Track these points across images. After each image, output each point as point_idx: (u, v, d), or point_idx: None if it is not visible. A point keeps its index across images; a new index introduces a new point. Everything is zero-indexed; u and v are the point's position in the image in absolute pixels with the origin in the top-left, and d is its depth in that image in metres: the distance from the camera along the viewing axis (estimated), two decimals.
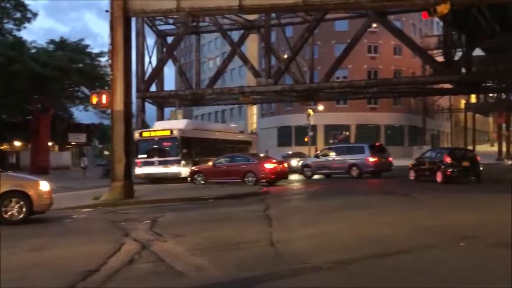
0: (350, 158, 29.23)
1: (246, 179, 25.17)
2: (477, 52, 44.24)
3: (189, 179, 27.23)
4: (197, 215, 14.62)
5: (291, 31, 49.84)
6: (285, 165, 27.45)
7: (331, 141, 56.45)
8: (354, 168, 28.96)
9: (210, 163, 27.23)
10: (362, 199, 17.69)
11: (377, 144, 32.46)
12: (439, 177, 23.44)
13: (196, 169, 27.47)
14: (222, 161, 27.01)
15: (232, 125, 54.14)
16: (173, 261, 7.98)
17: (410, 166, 26.83)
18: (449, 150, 26.01)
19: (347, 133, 59.67)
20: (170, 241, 9.82)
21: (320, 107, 48.96)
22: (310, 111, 45.02)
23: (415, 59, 48.63)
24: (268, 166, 25.71)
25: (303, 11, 35.18)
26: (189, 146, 30.44)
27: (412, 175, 26.08)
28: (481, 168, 24.12)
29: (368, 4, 19.69)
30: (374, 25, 45.62)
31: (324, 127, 58.32)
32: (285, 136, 61.87)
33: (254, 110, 76.17)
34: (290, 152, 43.45)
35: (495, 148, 53.44)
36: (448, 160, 23.52)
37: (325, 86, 39.35)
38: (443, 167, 23.40)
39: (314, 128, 50.81)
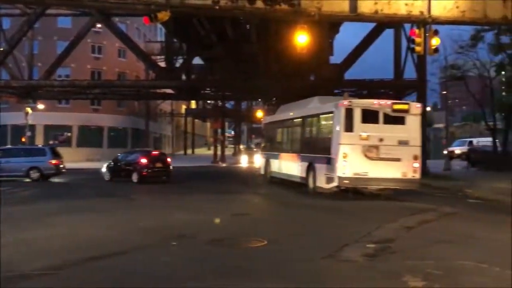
0: (30, 161, 27.72)
1: None
2: (197, 60, 47.22)
3: None
4: None
5: (9, 23, 46.02)
6: None
7: (51, 142, 53.70)
8: (34, 170, 27.31)
9: None
10: (80, 202, 17.21)
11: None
12: (135, 177, 24.84)
13: None
14: None
15: None
16: None
17: (106, 167, 27.13)
18: (144, 152, 27.27)
19: (69, 134, 57.53)
20: None
21: (40, 106, 46.27)
22: (29, 109, 42.20)
23: (140, 63, 49.34)
24: None
25: (22, 3, 32.80)
26: None
27: (107, 175, 26.57)
28: (172, 168, 26.36)
29: (89, 3, 19.37)
30: (99, 25, 45.02)
31: (44, 127, 55.21)
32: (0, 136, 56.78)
33: None
34: None
35: (211, 152, 57.59)
36: (143, 161, 25.08)
37: (45, 83, 37.32)
38: (139, 168, 24.93)
39: (33, 128, 47.75)
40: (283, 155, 22.92)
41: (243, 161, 51.30)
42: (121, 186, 23.30)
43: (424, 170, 28.84)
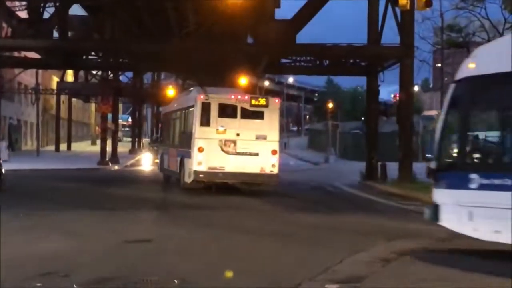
0: None
1: None
2: (76, 10, 46.39)
3: None
4: None
5: None
6: None
7: None
8: None
9: None
10: None
11: None
12: None
13: None
14: None
15: None
16: None
17: None
18: None
19: None
20: None
21: None
22: None
23: None
24: None
25: None
26: None
27: None
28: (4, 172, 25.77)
29: None
30: None
31: None
32: None
33: None
34: None
35: (98, 148, 56.68)
36: None
37: None
38: None
39: None
40: (169, 149, 29.46)
41: (146, 162, 50.96)
42: None
43: (408, 175, 29.57)
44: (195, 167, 23.46)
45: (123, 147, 71.16)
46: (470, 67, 12.38)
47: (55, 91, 74.09)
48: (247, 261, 11.83)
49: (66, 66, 52.46)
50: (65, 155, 64.73)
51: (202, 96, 23.68)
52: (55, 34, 40.44)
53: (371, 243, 13.58)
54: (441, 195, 11.97)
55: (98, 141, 62.88)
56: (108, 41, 42.61)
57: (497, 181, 11.19)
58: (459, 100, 12.38)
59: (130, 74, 71.87)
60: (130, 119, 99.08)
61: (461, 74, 12.50)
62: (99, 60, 46.43)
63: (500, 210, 10.85)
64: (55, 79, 78.22)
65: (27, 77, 69.01)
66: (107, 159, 50.84)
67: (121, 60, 46.91)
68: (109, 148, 53.09)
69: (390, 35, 36.14)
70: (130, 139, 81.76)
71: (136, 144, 76.55)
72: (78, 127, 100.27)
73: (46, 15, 40.98)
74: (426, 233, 14.76)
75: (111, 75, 57.00)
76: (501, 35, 34.80)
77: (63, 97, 79.45)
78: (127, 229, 15.69)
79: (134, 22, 42.77)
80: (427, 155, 27.45)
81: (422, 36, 41.18)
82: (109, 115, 58.72)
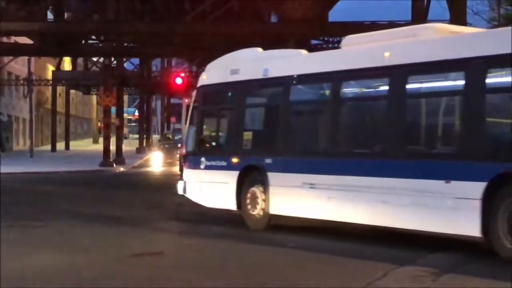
0: None
1: None
2: None
3: None
4: None
5: None
6: None
7: None
8: None
9: None
10: None
11: None
12: None
13: None
14: None
15: None
16: None
17: None
18: None
19: None
20: None
21: None
22: None
23: None
24: None
25: None
26: None
27: None
28: None
29: None
30: None
31: None
32: None
33: None
34: None
35: (101, 146, 56.83)
36: None
37: None
38: None
39: None
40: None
41: (156, 162, 51.05)
42: None
43: None
44: None
45: (130, 145, 71.50)
46: (204, 78, 19.36)
47: (51, 82, 74.45)
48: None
49: (62, 52, 52.61)
50: (62, 155, 64.96)
51: None
52: (50, 16, 40.60)
53: None
54: (186, 174, 18.87)
55: (101, 139, 63.16)
56: (111, 22, 42.67)
57: (214, 163, 18.04)
58: (197, 103, 19.21)
59: (136, 60, 72.15)
60: (137, 113, 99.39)
61: (199, 83, 19.45)
62: (100, 45, 46.67)
63: (216, 184, 17.73)
64: (50, 68, 78.64)
65: (18, 66, 69.52)
66: (111, 160, 50.96)
67: (125, 44, 47.02)
68: (113, 146, 53.15)
69: (438, 10, 35.90)
70: (137, 136, 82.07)
71: (144, 141, 76.67)
72: (78, 123, 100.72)
73: None
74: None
75: (115, 62, 57.16)
76: None
77: (60, 89, 79.85)
78: (134, 241, 15.64)
79: (140, 0, 42.81)
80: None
81: (476, 11, 40.85)
82: (113, 109, 58.93)
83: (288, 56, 17.67)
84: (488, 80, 12.62)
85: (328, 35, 37.36)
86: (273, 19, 44.16)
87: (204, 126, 19.15)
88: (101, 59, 58.46)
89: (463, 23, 31.84)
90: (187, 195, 18.55)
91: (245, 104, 18.07)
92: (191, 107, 19.37)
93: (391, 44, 14.65)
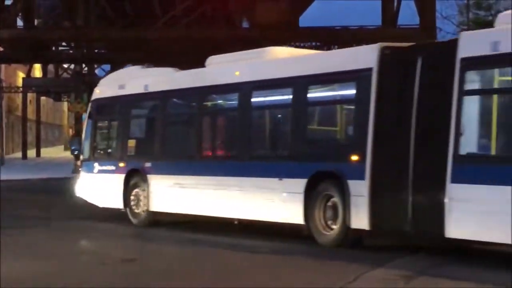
0: None
1: None
2: None
3: None
4: None
5: None
6: None
7: None
8: None
9: None
10: None
11: None
12: None
13: None
14: None
15: None
16: None
17: None
18: None
19: None
20: None
21: None
22: None
23: None
24: None
25: None
26: None
27: None
28: None
29: None
30: None
31: None
32: None
33: None
34: None
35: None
36: None
37: None
38: None
39: None
40: None
41: None
42: None
43: None
44: None
45: None
46: (97, 92, 21.82)
47: (21, 89, 74.03)
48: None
49: (33, 59, 52.40)
50: (33, 163, 64.57)
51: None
52: (20, 23, 40.44)
53: None
54: (82, 178, 21.33)
55: None
56: (81, 29, 42.55)
57: (105, 168, 20.38)
58: (91, 114, 21.70)
59: (107, 67, 71.92)
60: None
61: (93, 97, 22.21)
62: (71, 51, 46.47)
63: (106, 186, 20.06)
64: (21, 74, 78.24)
65: None
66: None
67: (96, 51, 46.86)
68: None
69: (408, 15, 36.14)
70: None
71: None
72: (49, 130, 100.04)
73: (8, 1, 41.01)
74: None
75: (86, 69, 56.96)
76: None
77: (31, 96, 79.30)
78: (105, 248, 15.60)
79: (110, 7, 42.70)
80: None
81: (445, 16, 41.10)
82: (84, 116, 58.67)
83: (163, 73, 19.96)
84: (308, 95, 15.42)
85: (298, 40, 37.41)
86: (245, 24, 44.15)
87: (97, 136, 21.60)
88: (72, 66, 58.19)
89: (433, 27, 32.10)
90: (80, 195, 21.25)
91: (130, 115, 20.61)
92: (86, 119, 22.26)
93: (241, 64, 17.21)
